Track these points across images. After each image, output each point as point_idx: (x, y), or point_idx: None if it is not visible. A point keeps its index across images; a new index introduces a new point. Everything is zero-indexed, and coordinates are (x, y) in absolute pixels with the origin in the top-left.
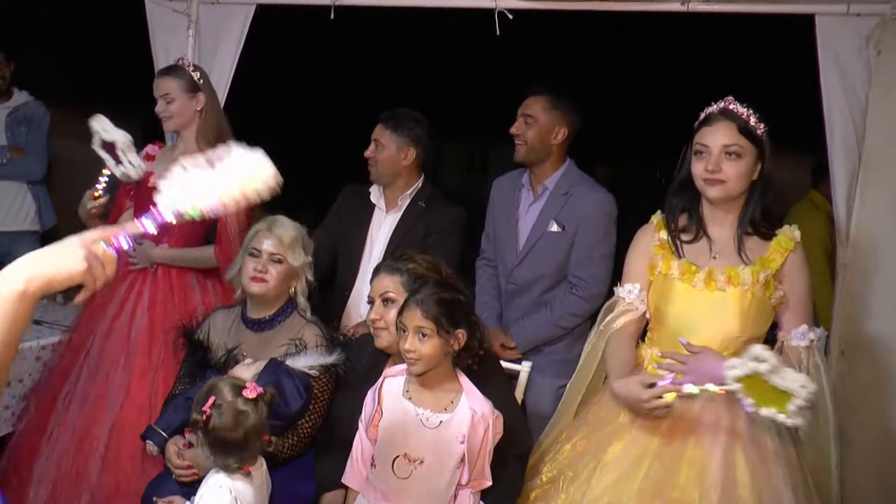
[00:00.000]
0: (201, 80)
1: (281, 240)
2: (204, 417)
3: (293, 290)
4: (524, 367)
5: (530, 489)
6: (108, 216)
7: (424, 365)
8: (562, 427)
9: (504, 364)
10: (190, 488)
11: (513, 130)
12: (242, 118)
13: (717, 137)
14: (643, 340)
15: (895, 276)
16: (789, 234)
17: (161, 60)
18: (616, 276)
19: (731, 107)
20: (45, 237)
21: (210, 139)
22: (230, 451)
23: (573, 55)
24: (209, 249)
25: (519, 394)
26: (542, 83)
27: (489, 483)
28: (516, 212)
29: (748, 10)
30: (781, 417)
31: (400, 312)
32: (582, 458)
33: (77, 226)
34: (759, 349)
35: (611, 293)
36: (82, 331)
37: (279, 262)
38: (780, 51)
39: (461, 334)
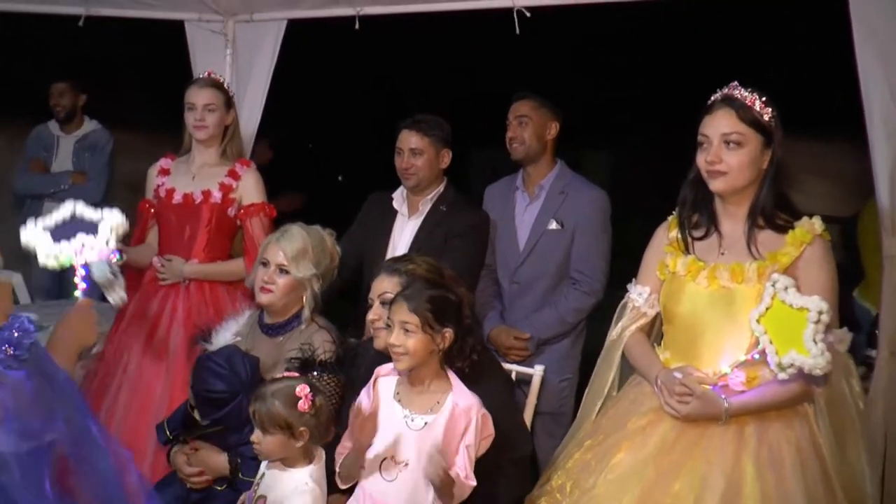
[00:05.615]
0: (233, 98)
1: (286, 252)
2: (309, 408)
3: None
4: (537, 371)
5: (539, 496)
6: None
7: (409, 360)
8: (578, 435)
9: (516, 368)
10: (198, 492)
11: (510, 134)
12: (278, 131)
13: (715, 126)
14: (658, 344)
15: None
16: (807, 227)
17: None
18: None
19: (734, 92)
20: None
21: (236, 154)
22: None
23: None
24: (239, 262)
25: (532, 398)
26: (524, 89)
27: (473, 483)
28: (513, 213)
29: None
30: (802, 361)
31: (389, 308)
32: (589, 465)
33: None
34: (774, 275)
35: (624, 290)
36: (115, 347)
37: (286, 272)
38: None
39: (447, 333)
